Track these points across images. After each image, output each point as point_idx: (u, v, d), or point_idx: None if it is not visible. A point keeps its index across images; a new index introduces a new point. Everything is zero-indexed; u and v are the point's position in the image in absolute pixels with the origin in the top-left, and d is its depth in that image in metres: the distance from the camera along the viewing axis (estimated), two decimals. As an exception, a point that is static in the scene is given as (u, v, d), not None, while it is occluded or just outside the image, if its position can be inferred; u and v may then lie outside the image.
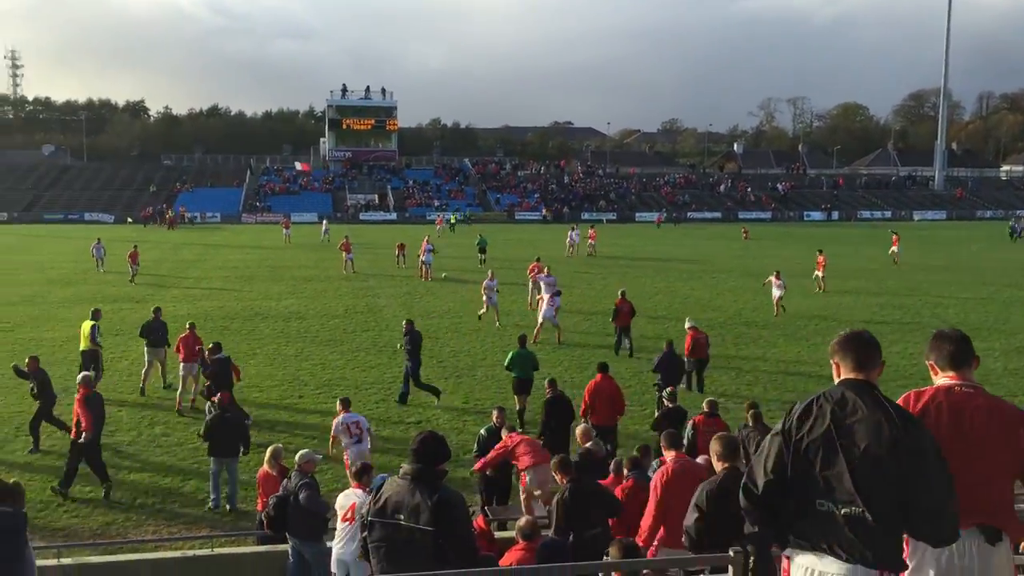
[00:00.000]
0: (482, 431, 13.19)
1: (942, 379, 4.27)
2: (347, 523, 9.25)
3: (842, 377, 3.96)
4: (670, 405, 14.19)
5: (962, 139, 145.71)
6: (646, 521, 7.89)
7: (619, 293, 24.64)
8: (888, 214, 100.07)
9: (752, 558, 4.14)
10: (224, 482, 13.26)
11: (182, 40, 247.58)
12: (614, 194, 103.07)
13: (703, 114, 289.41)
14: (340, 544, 9.32)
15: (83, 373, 14.93)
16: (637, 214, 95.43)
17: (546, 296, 25.72)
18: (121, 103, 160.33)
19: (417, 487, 5.30)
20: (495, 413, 13.12)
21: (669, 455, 8.39)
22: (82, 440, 13.52)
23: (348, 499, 9.49)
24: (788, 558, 3.97)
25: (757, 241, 63.41)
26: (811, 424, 3.81)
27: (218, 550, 10.61)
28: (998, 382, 20.39)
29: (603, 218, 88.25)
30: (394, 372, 21.45)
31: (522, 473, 11.88)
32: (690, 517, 5.87)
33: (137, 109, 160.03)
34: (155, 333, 20.17)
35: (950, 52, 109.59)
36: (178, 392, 18.66)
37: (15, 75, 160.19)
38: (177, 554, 10.58)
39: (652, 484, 8.18)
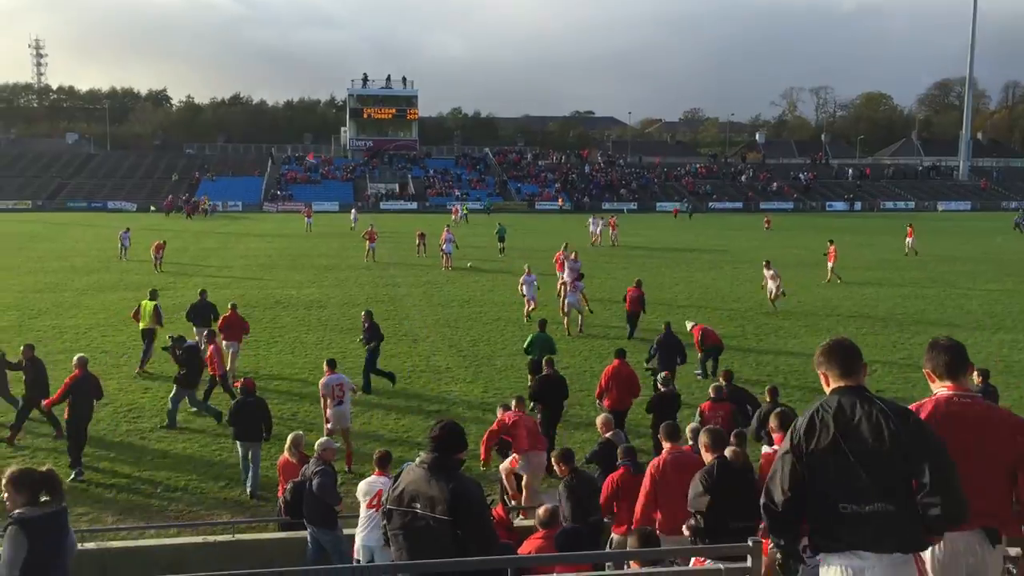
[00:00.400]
0: (502, 419, 13.21)
1: (939, 387, 4.53)
2: (372, 510, 9.24)
3: (833, 386, 4.21)
4: (663, 389, 14.38)
5: (987, 129, 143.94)
6: (638, 508, 8.28)
7: (634, 281, 25.14)
8: (912, 205, 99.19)
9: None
10: (250, 471, 13.43)
11: (205, 29, 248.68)
12: (635, 184, 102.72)
13: (725, 103, 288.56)
14: (364, 531, 9.36)
15: (80, 355, 15.27)
16: (658, 204, 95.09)
17: (568, 280, 25.64)
18: (144, 92, 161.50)
19: (434, 476, 5.31)
20: (514, 402, 13.12)
21: (666, 446, 8.72)
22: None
23: (373, 486, 9.50)
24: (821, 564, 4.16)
25: (779, 231, 63.02)
26: (817, 436, 4.05)
27: (239, 536, 10.69)
28: (1023, 373, 20.26)
29: (624, 208, 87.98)
30: (415, 361, 21.54)
31: (514, 455, 11.99)
32: (700, 502, 6.31)
33: (159, 98, 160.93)
34: (202, 314, 21.09)
35: (976, 41, 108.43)
36: (228, 365, 19.21)
37: (39, 64, 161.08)
38: (199, 539, 10.67)
39: (647, 472, 8.49)
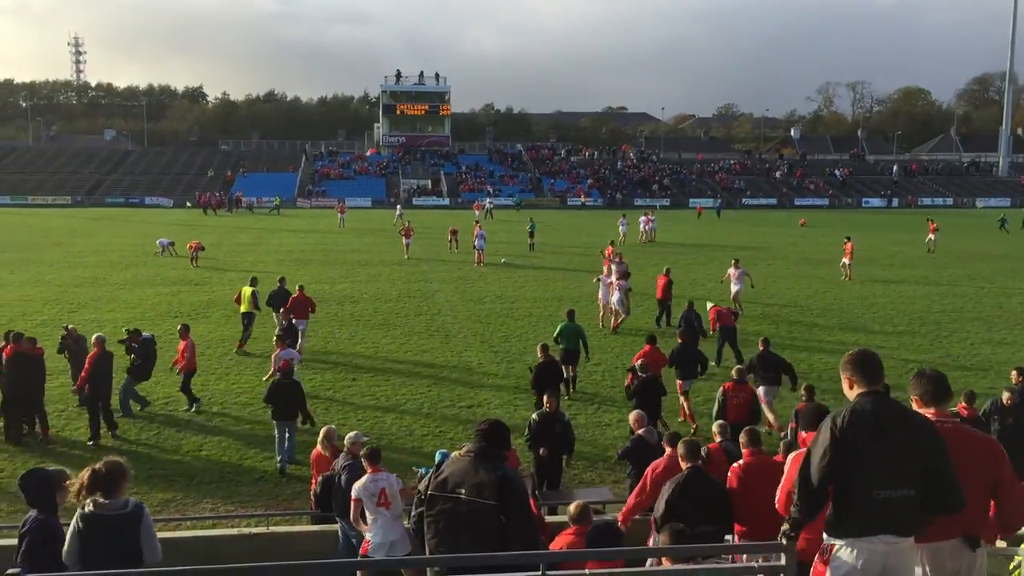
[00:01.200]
0: (533, 415, 13.21)
1: (926, 413, 5.02)
2: (382, 508, 9.00)
3: (861, 391, 4.76)
4: (643, 375, 14.73)
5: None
6: (629, 501, 8.92)
7: (664, 269, 26.43)
8: (950, 201, 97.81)
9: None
10: (285, 446, 14.29)
11: (240, 26, 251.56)
12: (668, 180, 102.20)
13: (759, 99, 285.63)
14: (381, 530, 9.00)
15: (97, 334, 16.57)
16: (691, 200, 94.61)
17: (614, 279, 25.42)
18: (180, 89, 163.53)
19: (481, 464, 5.56)
20: (546, 398, 13.13)
21: (668, 451, 9.13)
22: (73, 389, 16.09)
23: (376, 485, 9.09)
24: (832, 547, 4.63)
25: (813, 228, 62.41)
26: (856, 430, 4.56)
27: (273, 528, 10.79)
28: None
29: (656, 204, 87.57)
30: (446, 357, 21.61)
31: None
32: (657, 508, 7.00)
33: (196, 95, 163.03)
34: (280, 300, 22.43)
35: (1016, 34, 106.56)
36: (298, 343, 20.61)
37: (78, 61, 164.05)
38: (234, 531, 10.77)
39: (646, 471, 9.02)
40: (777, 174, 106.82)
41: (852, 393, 4.81)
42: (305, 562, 7.14)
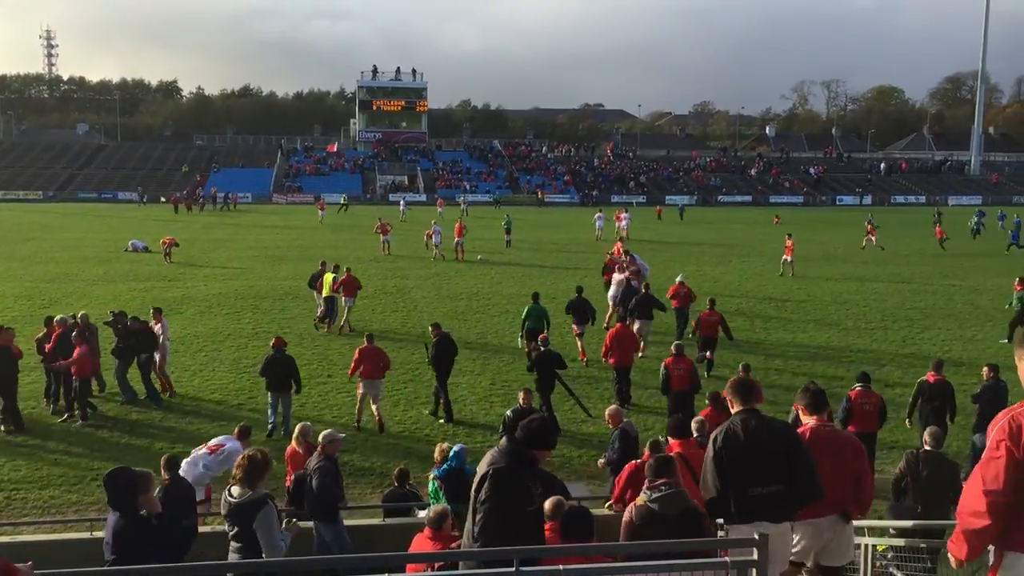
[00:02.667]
0: (508, 412, 13.24)
1: (809, 419, 6.52)
2: (204, 450, 11.78)
3: (737, 409, 5.97)
4: (542, 349, 16.32)
5: (999, 123, 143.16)
6: (616, 491, 9.40)
7: (608, 254, 29.71)
8: (923, 199, 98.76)
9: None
10: (280, 414, 15.65)
11: (217, 20, 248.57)
12: (644, 177, 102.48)
13: (735, 97, 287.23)
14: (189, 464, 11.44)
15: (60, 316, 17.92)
16: (667, 197, 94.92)
17: (627, 276, 25.05)
18: (154, 83, 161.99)
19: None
20: (521, 395, 13.17)
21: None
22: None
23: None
24: (727, 529, 5.72)
25: (788, 226, 62.69)
26: (732, 443, 5.76)
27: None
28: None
29: (633, 201, 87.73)
30: (422, 353, 21.51)
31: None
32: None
33: (170, 89, 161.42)
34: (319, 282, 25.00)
35: (989, 35, 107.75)
36: (341, 320, 24.42)
37: (50, 55, 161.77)
38: (207, 529, 10.70)
39: (628, 464, 9.41)
40: (753, 171, 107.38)
41: (733, 410, 6.00)
42: (279, 560, 7.11)
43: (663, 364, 15.24)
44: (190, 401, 17.67)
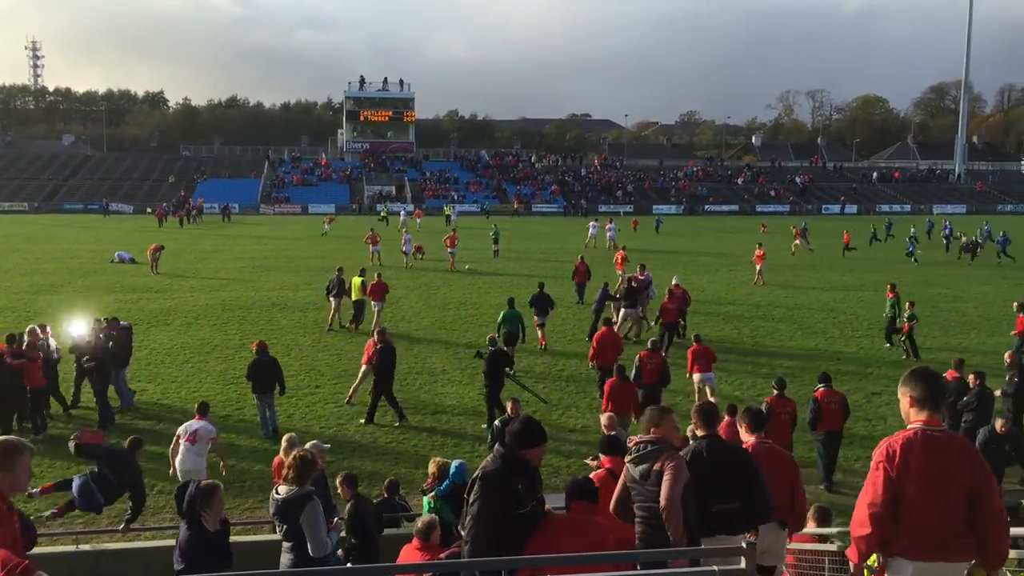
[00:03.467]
0: (497, 422, 13.23)
1: (750, 437, 7.23)
2: (188, 443, 12.67)
3: (702, 434, 6.47)
4: (490, 348, 17.11)
5: (983, 132, 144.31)
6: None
7: (579, 257, 31.92)
8: (908, 208, 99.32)
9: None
10: (267, 416, 16.22)
11: (203, 30, 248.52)
12: (631, 186, 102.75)
13: (721, 106, 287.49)
14: (182, 461, 12.62)
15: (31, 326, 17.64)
16: (654, 207, 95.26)
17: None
18: (140, 94, 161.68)
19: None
20: (510, 404, 13.15)
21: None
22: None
23: (189, 427, 12.87)
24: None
25: (775, 235, 62.98)
26: (698, 465, 6.14)
27: (235, 538, 10.65)
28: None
29: (620, 210, 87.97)
30: (411, 363, 21.51)
31: None
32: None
33: (156, 100, 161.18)
34: (338, 287, 26.10)
35: (972, 45, 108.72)
36: (373, 322, 25.18)
37: (36, 66, 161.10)
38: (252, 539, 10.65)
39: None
40: (740, 180, 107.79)
41: (699, 433, 6.49)
42: (267, 572, 7.08)
43: (638, 356, 16.61)
44: (178, 413, 17.56)
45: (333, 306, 26.13)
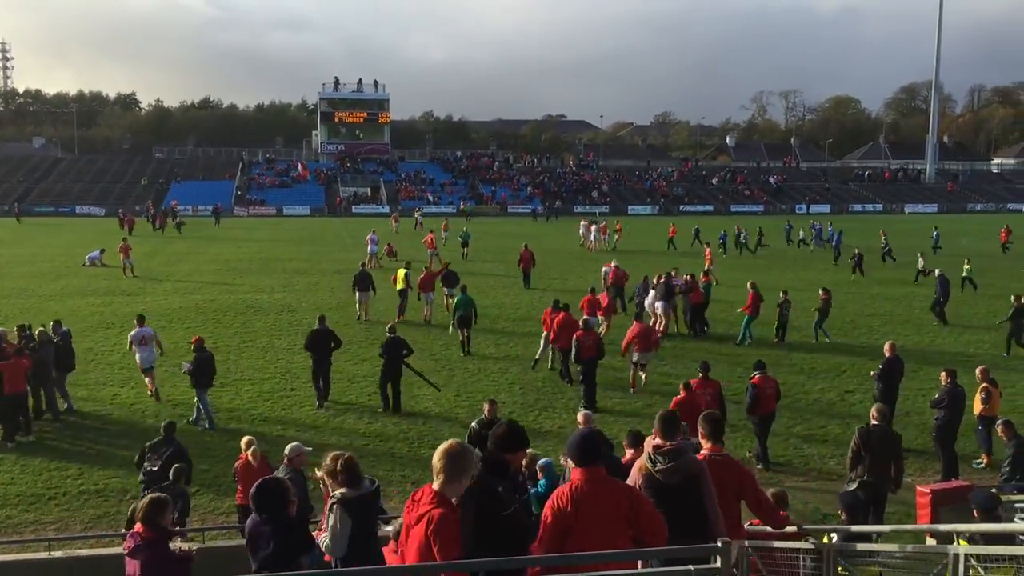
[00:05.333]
0: (474, 424, 13.15)
1: (707, 445, 7.15)
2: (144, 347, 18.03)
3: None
4: (390, 335, 18.30)
5: (953, 132, 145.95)
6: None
7: (523, 245, 35.99)
8: (879, 207, 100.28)
9: None
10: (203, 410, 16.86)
11: (176, 31, 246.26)
12: (607, 187, 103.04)
13: (696, 107, 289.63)
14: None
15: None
16: (630, 207, 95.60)
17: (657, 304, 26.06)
18: (112, 95, 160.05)
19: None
20: (487, 406, 13.10)
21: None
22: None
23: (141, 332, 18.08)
24: None
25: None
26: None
27: (211, 543, 10.61)
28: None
29: (596, 211, 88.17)
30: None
31: None
32: None
33: (128, 101, 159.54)
34: (363, 281, 28.05)
35: (944, 46, 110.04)
36: (425, 310, 27.75)
37: (5, 67, 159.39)
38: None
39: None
40: (714, 181, 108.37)
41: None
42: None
43: (575, 336, 18.26)
44: (151, 417, 17.42)
45: (358, 301, 28.31)
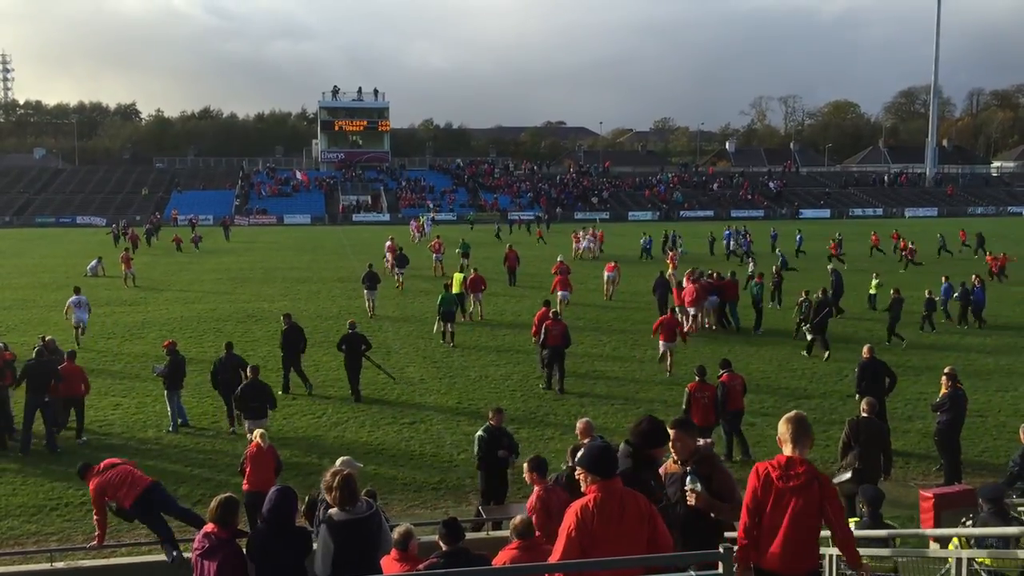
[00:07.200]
0: (480, 432, 13.11)
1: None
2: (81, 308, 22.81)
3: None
4: (351, 331, 19.73)
5: (952, 136, 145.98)
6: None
7: (507, 246, 39.42)
8: (880, 211, 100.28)
9: None
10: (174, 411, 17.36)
11: (176, 41, 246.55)
12: (607, 193, 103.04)
13: (695, 113, 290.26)
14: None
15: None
16: (630, 213, 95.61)
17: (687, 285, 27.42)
18: (112, 106, 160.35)
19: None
20: (491, 413, 13.04)
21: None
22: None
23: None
24: None
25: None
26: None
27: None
28: (989, 376, 20.42)
29: (596, 217, 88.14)
30: (387, 379, 21.43)
31: None
32: None
33: (128, 112, 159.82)
34: (370, 280, 30.19)
35: (943, 50, 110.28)
36: (471, 310, 29.37)
37: (6, 79, 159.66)
38: (166, 558, 10.54)
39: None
40: (715, 186, 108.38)
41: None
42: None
43: (544, 325, 20.03)
44: (152, 428, 17.42)
45: (367, 299, 30.42)
